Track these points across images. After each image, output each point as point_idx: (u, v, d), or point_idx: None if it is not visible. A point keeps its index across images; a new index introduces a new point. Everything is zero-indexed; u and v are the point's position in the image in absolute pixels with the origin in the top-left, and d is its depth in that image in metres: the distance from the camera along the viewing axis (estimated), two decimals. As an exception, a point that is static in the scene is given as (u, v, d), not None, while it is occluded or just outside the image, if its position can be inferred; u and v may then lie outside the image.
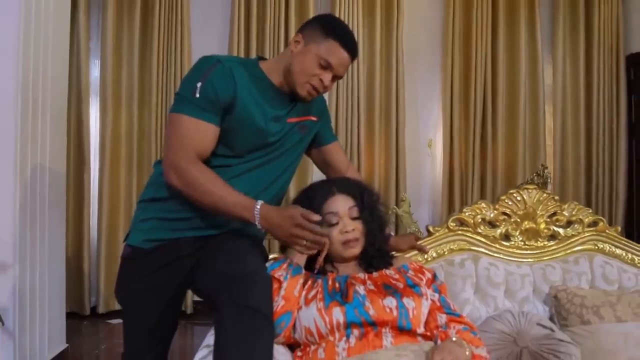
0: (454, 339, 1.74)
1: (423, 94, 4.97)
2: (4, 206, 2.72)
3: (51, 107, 3.12)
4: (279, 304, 1.78)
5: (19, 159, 2.77)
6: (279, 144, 1.97)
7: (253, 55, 4.65)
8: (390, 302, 1.80)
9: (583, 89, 4.92)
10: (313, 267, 1.92)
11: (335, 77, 1.93)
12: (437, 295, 1.93)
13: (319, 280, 1.89)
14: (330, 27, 1.89)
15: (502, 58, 4.86)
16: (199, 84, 1.81)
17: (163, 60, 4.63)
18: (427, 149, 4.96)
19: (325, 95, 4.60)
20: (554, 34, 4.95)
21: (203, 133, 1.82)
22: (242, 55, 4.64)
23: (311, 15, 4.70)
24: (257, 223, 1.73)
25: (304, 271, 1.88)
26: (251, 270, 1.69)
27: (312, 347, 1.79)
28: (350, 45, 1.90)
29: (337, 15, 4.71)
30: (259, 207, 1.73)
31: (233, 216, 1.77)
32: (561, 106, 4.93)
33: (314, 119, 2.07)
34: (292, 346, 1.86)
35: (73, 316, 4.40)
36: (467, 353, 1.68)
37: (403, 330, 1.78)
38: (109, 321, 4.45)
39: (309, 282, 1.89)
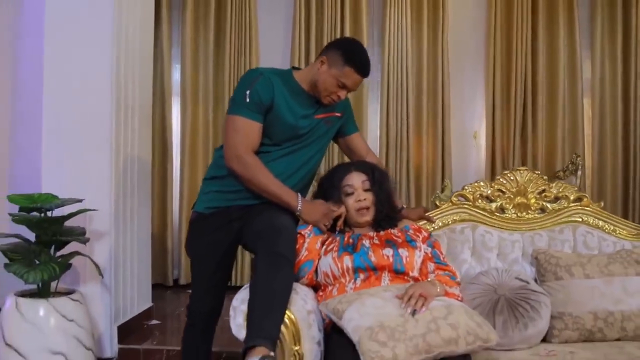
0: (429, 279, 2.28)
1: (468, 90, 5.40)
2: (102, 187, 3.39)
3: (139, 107, 3.79)
4: (303, 254, 2.38)
5: (114, 150, 3.44)
6: (308, 135, 2.54)
7: (313, 53, 5.22)
8: (388, 251, 2.36)
9: (621, 82, 5.21)
10: (335, 229, 2.50)
11: (349, 92, 2.50)
12: (430, 249, 2.46)
13: (337, 238, 2.47)
14: (349, 55, 2.44)
15: (542, 54, 5.21)
16: (247, 92, 2.42)
17: (234, 63, 5.26)
18: (472, 140, 5.41)
19: (377, 92, 5.18)
20: (592, 29, 5.25)
21: (253, 129, 2.43)
22: (302, 53, 5.21)
23: (364, 18, 5.23)
24: (298, 206, 2.37)
25: (326, 232, 2.47)
26: (278, 226, 2.28)
27: (329, 288, 2.36)
28: (363, 71, 2.47)
29: (387, 16, 5.22)
30: (299, 195, 2.42)
31: (276, 197, 2.40)
32: (599, 98, 5.24)
33: (337, 114, 2.64)
34: (315, 288, 2.44)
35: (158, 286, 5.09)
36: (438, 290, 2.20)
37: (398, 274, 2.33)
38: (189, 290, 5.13)
39: (330, 239, 2.46)
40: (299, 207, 2.40)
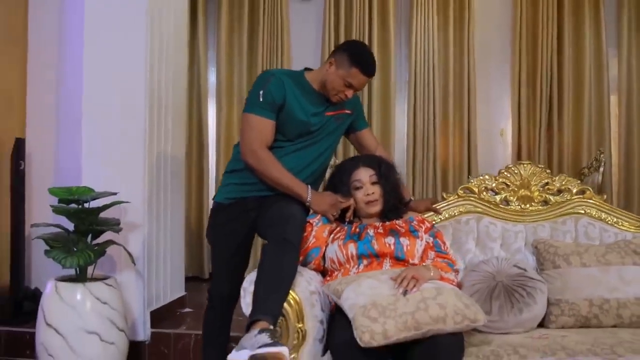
0: (424, 264, 2.44)
1: (494, 88, 5.51)
2: (136, 182, 3.64)
3: (172, 108, 4.05)
4: (310, 241, 2.57)
5: (147, 146, 3.69)
6: (319, 132, 2.73)
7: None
8: (390, 240, 2.53)
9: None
10: (344, 220, 2.69)
11: (356, 91, 2.68)
12: (431, 239, 2.62)
13: (345, 227, 2.65)
14: (355, 57, 2.61)
15: (568, 51, 5.28)
16: (261, 92, 2.63)
17: (267, 66, 5.48)
18: (499, 138, 5.51)
19: (405, 91, 5.32)
20: (619, 26, 5.29)
21: (266, 126, 2.64)
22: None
23: (392, 19, 5.41)
24: (308, 197, 2.56)
25: (334, 222, 2.65)
26: (287, 215, 2.47)
27: (335, 273, 2.55)
28: (368, 71, 2.64)
29: (414, 17, 5.39)
30: (309, 187, 2.60)
31: (288, 189, 2.60)
32: (626, 95, 5.28)
33: (347, 112, 2.82)
34: (324, 273, 2.63)
35: (194, 279, 5.36)
36: (432, 274, 2.36)
37: (399, 261, 2.51)
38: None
39: (338, 228, 2.65)
40: (308, 198, 2.59)
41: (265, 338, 2.07)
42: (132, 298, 3.63)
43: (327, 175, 2.94)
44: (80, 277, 3.23)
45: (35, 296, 3.84)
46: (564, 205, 2.99)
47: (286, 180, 2.60)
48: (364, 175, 2.68)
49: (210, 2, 5.61)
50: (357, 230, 2.62)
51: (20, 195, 3.82)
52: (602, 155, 4.76)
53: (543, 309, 2.64)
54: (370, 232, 2.58)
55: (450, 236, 2.94)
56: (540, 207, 3.00)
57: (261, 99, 2.62)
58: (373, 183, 2.68)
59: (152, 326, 3.71)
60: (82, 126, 3.70)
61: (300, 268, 2.45)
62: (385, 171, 2.73)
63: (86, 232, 3.27)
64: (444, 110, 5.44)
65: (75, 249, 3.18)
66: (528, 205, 3.00)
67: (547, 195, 3.00)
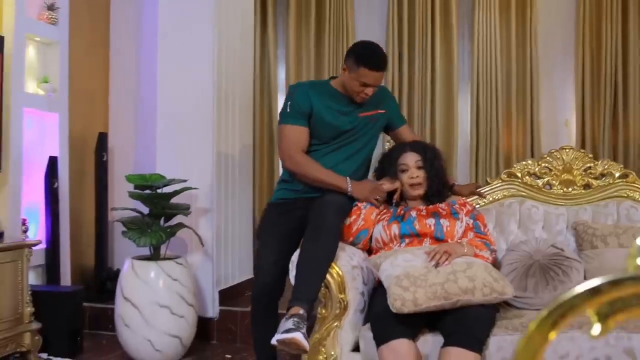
0: (459, 241, 2.60)
1: (558, 78, 5.51)
2: (205, 171, 3.97)
3: (239, 104, 4.35)
4: (359, 223, 2.77)
5: (215, 139, 4.01)
6: (353, 132, 2.92)
7: (405, 50, 5.57)
8: (431, 221, 2.71)
9: None
10: (391, 202, 2.88)
11: (374, 87, 2.83)
12: (471, 221, 2.78)
13: (391, 209, 2.84)
14: (359, 58, 2.76)
15: (633, 39, 5.20)
16: (289, 103, 2.89)
17: (332, 62, 5.72)
18: (563, 129, 5.52)
19: (467, 84, 5.41)
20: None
21: (299, 132, 2.86)
22: (395, 51, 5.56)
23: (454, 15, 5.52)
24: (349, 188, 2.78)
25: (382, 205, 2.85)
26: (326, 202, 2.68)
27: (380, 251, 2.75)
28: (375, 66, 2.77)
29: (476, 9, 5.47)
30: (348, 178, 2.81)
31: (329, 184, 2.80)
32: (695, 84, 5.19)
33: (381, 111, 3.00)
34: (370, 252, 2.83)
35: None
36: (465, 250, 2.52)
37: (439, 241, 2.68)
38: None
39: (385, 210, 2.85)
40: (349, 189, 2.79)
41: (289, 324, 2.30)
42: (202, 277, 3.95)
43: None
44: (153, 256, 3.57)
45: (117, 277, 4.22)
46: (606, 188, 3.07)
47: (325, 177, 2.81)
48: (410, 159, 2.86)
49: (280, 3, 5.90)
50: (402, 212, 2.81)
51: (103, 184, 4.23)
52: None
53: (579, 287, 2.74)
54: (413, 214, 2.76)
55: (494, 219, 3.07)
56: (582, 191, 3.08)
57: (290, 110, 2.87)
58: (418, 167, 2.85)
59: (221, 304, 4.01)
60: (157, 122, 4.07)
61: (344, 245, 2.67)
62: (430, 157, 2.89)
63: (159, 215, 3.61)
64: (507, 103, 5.50)
65: (149, 230, 3.52)
66: (570, 189, 3.09)
67: (589, 179, 3.08)
